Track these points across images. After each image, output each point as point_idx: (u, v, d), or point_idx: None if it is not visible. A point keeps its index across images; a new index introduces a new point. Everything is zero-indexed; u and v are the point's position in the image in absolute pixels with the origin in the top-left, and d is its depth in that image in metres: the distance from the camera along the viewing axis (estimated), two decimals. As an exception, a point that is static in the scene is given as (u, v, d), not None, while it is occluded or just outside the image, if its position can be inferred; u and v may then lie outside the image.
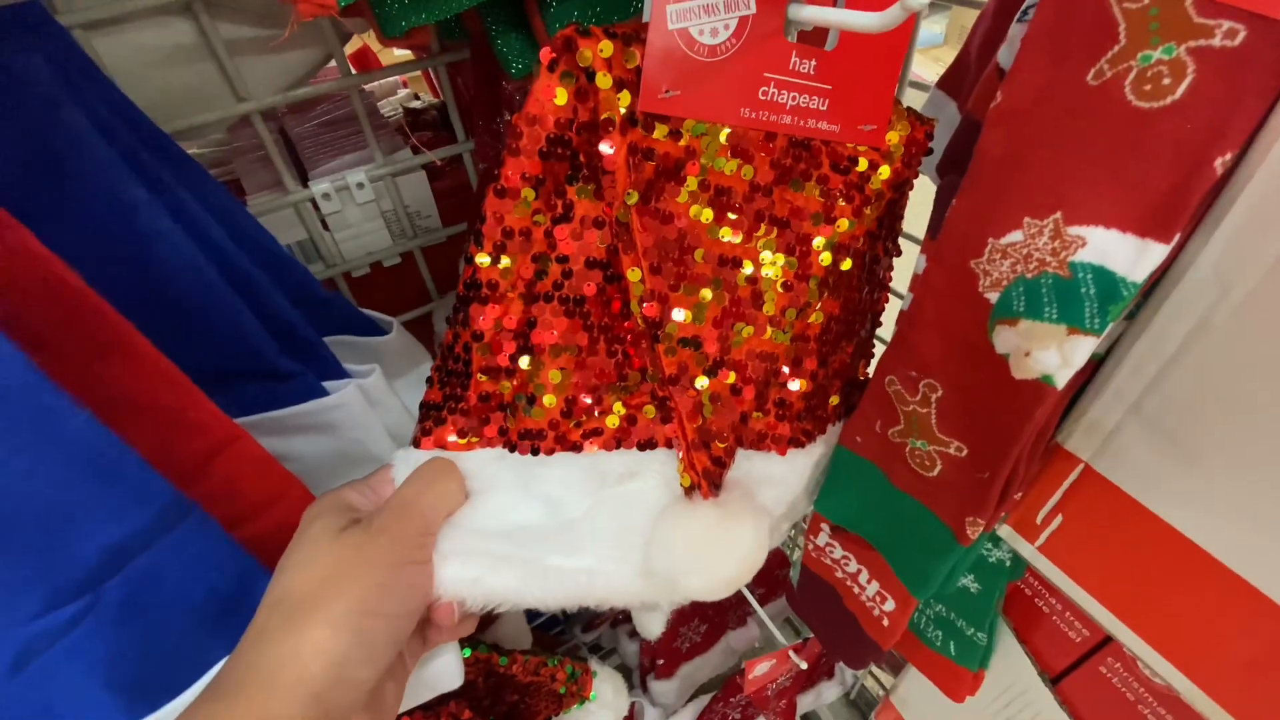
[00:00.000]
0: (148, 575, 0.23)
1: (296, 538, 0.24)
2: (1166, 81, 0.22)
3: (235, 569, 0.25)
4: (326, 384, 0.33)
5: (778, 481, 0.34)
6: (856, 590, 0.47)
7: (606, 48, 0.22)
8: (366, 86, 0.53)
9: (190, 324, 0.25)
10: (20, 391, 0.19)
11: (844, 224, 0.30)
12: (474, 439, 0.28)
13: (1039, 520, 0.34)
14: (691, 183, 0.26)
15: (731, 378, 0.30)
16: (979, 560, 0.40)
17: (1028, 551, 0.35)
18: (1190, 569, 0.29)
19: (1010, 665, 0.44)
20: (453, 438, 0.28)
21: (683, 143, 0.25)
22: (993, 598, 0.41)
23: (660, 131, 0.24)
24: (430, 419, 0.28)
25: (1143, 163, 0.22)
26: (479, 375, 0.27)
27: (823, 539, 0.48)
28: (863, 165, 0.29)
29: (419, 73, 0.69)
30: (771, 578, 0.90)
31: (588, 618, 0.94)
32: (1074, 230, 0.24)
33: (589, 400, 0.29)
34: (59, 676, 0.22)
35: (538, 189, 0.24)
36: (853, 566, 0.46)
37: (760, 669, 0.69)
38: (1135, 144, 0.22)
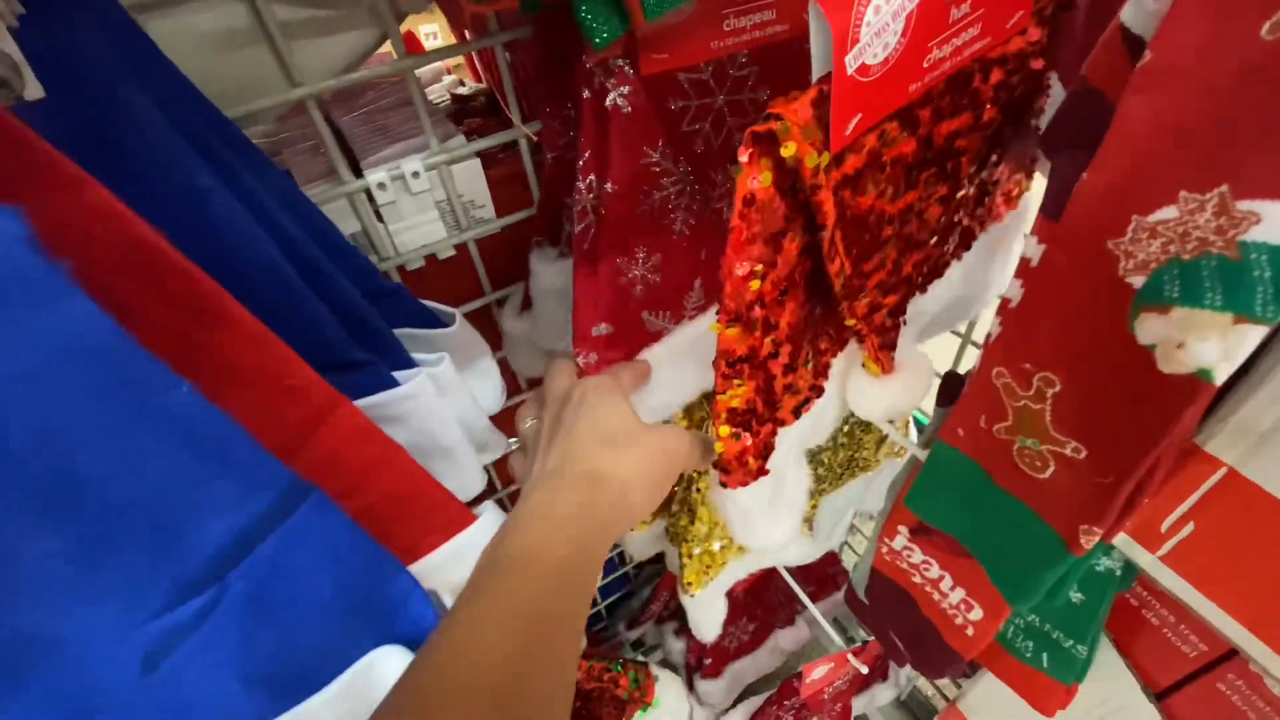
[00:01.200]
0: (272, 566, 0.21)
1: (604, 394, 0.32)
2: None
3: (362, 557, 0.24)
4: (396, 374, 0.31)
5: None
6: (937, 597, 0.44)
7: (793, 145, 0.22)
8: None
9: (262, 314, 0.23)
10: (112, 358, 0.18)
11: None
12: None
13: (1164, 528, 0.31)
14: (877, 180, 0.25)
15: (896, 295, 0.32)
16: (1086, 569, 0.37)
17: (1146, 561, 0.32)
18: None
19: (1107, 679, 0.41)
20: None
21: (866, 147, 0.24)
22: (1097, 610, 0.38)
23: (851, 160, 0.24)
24: None
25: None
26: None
27: (899, 542, 0.45)
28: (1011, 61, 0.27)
29: (462, 59, 0.68)
30: (822, 575, 0.88)
31: (631, 615, 0.92)
32: (1245, 205, 0.21)
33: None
34: (193, 674, 0.21)
35: (768, 264, 0.24)
36: (934, 572, 0.44)
37: (818, 672, 0.66)
38: (1329, 103, 0.19)
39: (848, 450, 0.57)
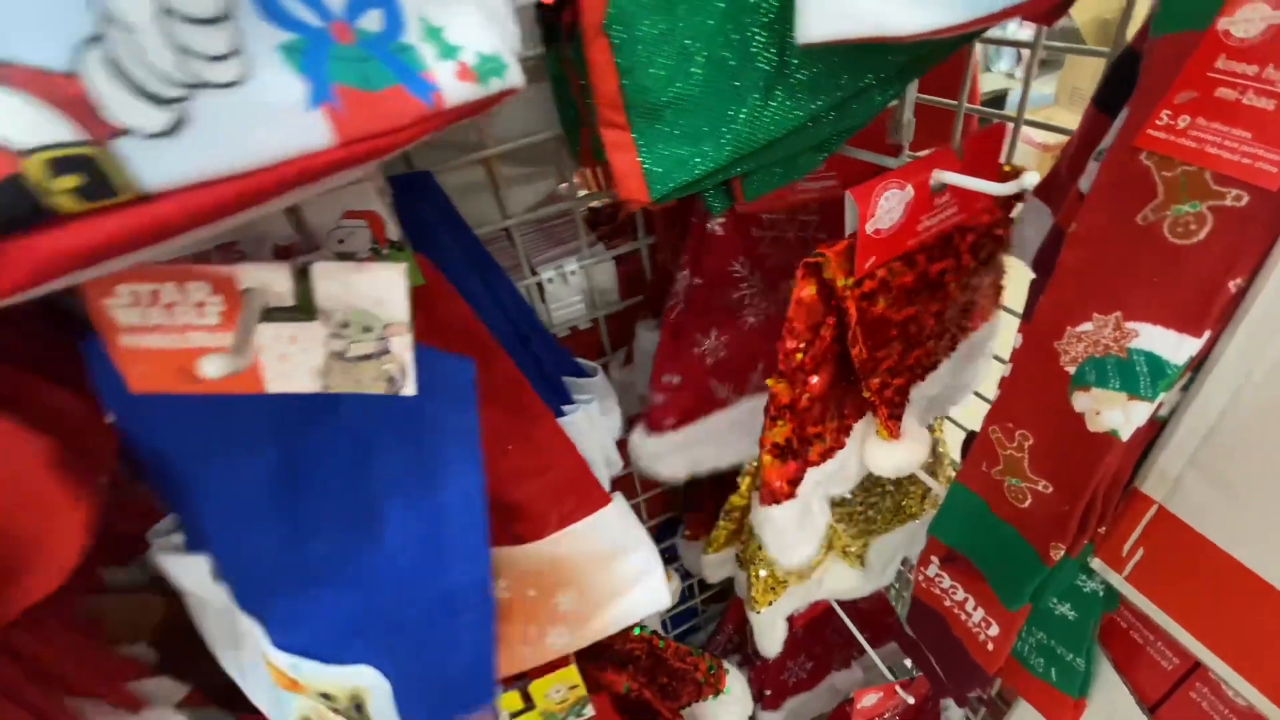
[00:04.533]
0: None
1: None
2: (1193, 227, 0.31)
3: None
4: (564, 408, 0.46)
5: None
6: (964, 617, 0.54)
7: (831, 271, 0.37)
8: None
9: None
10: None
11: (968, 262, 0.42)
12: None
13: (1124, 553, 0.41)
14: (886, 297, 0.39)
15: (901, 379, 0.44)
16: (1074, 590, 0.47)
17: (1116, 581, 0.42)
18: (1253, 595, 0.36)
19: (1110, 696, 0.50)
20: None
21: (879, 276, 0.38)
22: (1088, 625, 0.47)
23: (868, 283, 0.38)
24: None
25: (1178, 281, 0.32)
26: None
27: (932, 570, 0.56)
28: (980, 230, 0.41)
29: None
30: (878, 624, 0.95)
31: (698, 646, 1.02)
32: (1130, 324, 0.34)
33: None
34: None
35: (808, 343, 0.39)
36: (960, 595, 0.54)
37: (868, 700, 0.75)
38: (1172, 268, 0.32)
39: (895, 498, 0.68)
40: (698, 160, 0.32)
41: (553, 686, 0.46)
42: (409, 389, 0.28)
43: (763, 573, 0.66)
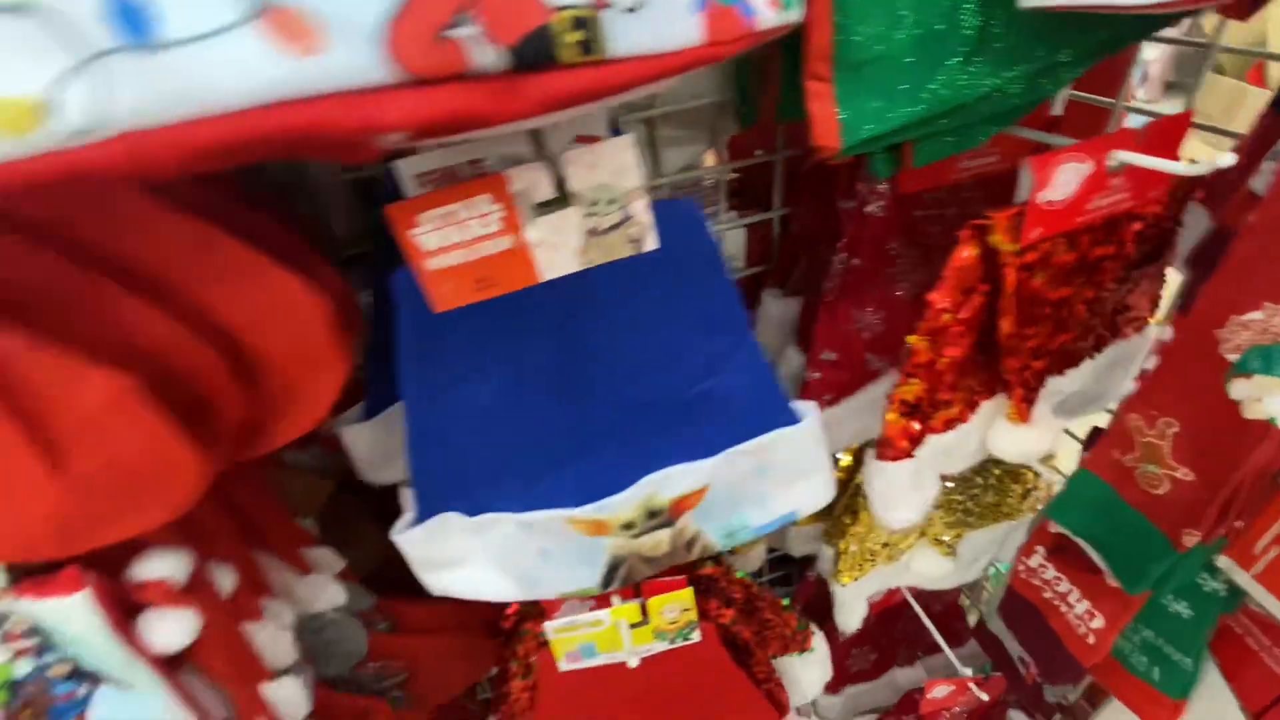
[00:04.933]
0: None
1: None
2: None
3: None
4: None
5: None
6: (1064, 610, 0.55)
7: (998, 235, 0.38)
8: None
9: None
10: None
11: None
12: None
13: (1257, 551, 0.42)
14: (1044, 272, 0.41)
15: (1042, 363, 0.45)
16: (1194, 588, 0.47)
17: (1243, 579, 0.43)
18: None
19: (1213, 700, 0.49)
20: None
21: (1040, 250, 0.40)
22: (1204, 626, 0.47)
23: (1029, 254, 0.39)
24: None
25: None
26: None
27: (1035, 560, 0.56)
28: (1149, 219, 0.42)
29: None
30: (950, 629, 0.95)
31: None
32: (1305, 314, 0.34)
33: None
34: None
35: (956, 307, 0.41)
36: (1063, 587, 0.54)
37: (939, 691, 0.75)
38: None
39: (996, 494, 0.69)
40: (890, 116, 0.35)
41: (668, 605, 0.49)
42: (650, 244, 0.33)
43: (852, 548, 0.68)
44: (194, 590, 0.35)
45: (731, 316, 0.40)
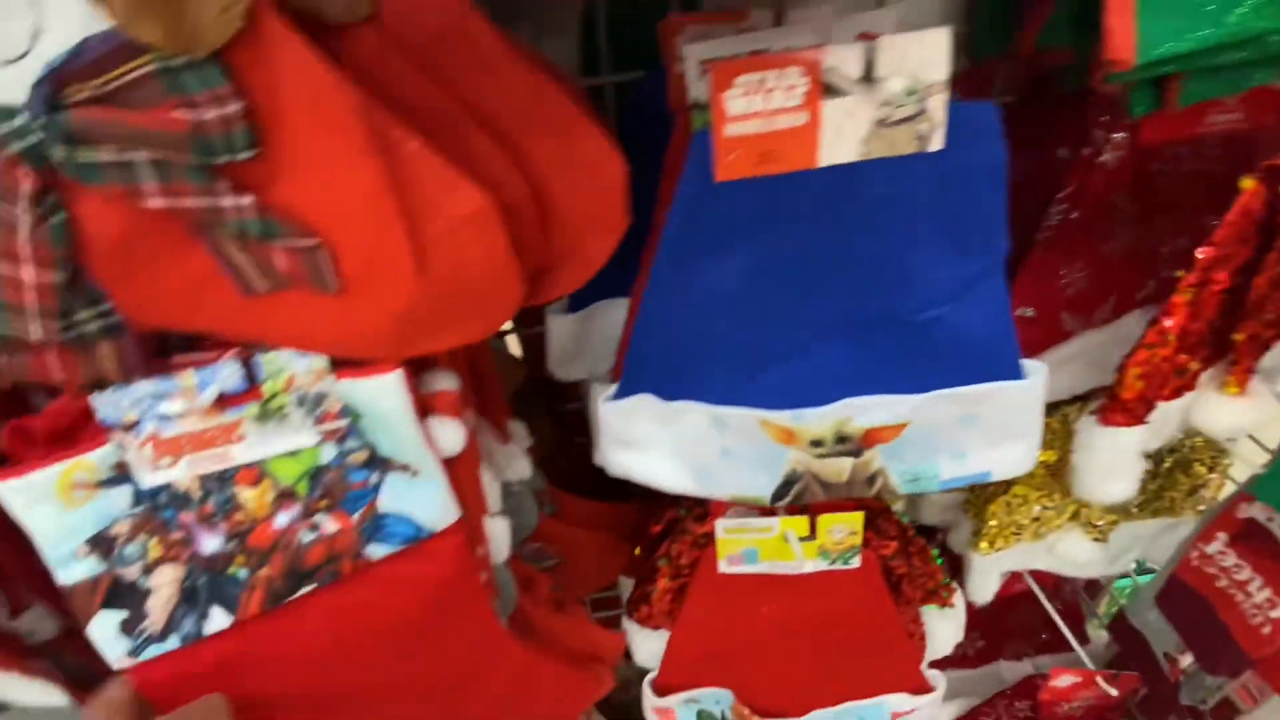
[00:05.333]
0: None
1: None
2: None
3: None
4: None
5: None
6: (1240, 599, 0.53)
7: None
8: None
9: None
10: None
11: None
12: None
13: None
14: None
15: (1275, 332, 0.44)
16: None
17: None
18: None
19: None
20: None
21: None
22: None
23: None
24: None
25: None
26: None
27: (1214, 548, 0.54)
28: None
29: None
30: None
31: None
32: None
33: None
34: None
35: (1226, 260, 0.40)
36: (1244, 574, 0.52)
37: (1063, 680, 0.73)
38: None
39: (1162, 485, 0.66)
40: (1189, 37, 0.34)
41: (837, 525, 0.51)
42: (936, 144, 0.33)
43: (999, 517, 0.67)
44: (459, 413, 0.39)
45: (991, 241, 0.39)
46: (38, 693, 0.40)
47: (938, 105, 0.33)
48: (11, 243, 0.25)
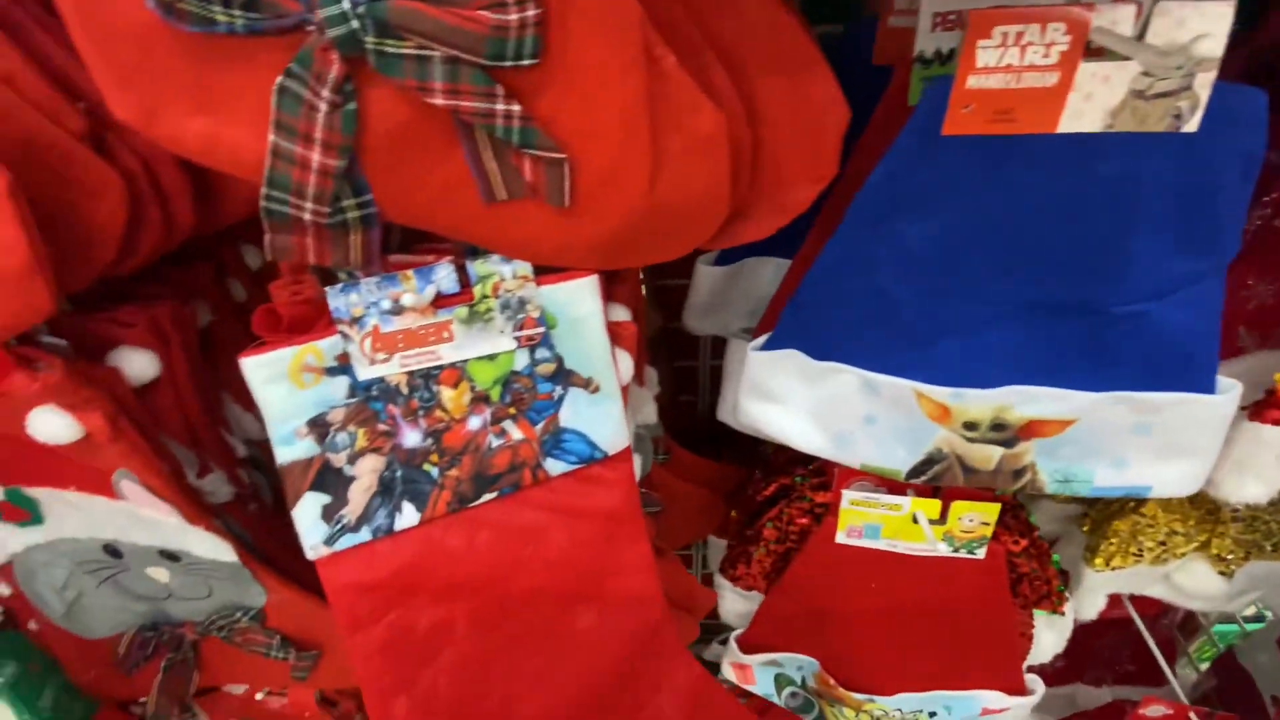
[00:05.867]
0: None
1: None
2: None
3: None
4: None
5: None
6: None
7: None
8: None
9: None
10: None
11: None
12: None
13: None
14: None
15: None
16: None
17: None
18: None
19: None
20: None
21: None
22: None
23: None
24: None
25: None
26: None
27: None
28: None
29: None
30: (1151, 662, 0.88)
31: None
32: None
33: None
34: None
35: None
36: None
37: (1154, 709, 0.71)
38: None
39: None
40: None
41: (969, 514, 0.50)
42: (1192, 125, 0.31)
43: (1122, 533, 0.64)
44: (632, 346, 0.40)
45: (1221, 239, 0.37)
46: (213, 546, 0.44)
47: (1204, 84, 0.31)
48: (311, 126, 0.27)
